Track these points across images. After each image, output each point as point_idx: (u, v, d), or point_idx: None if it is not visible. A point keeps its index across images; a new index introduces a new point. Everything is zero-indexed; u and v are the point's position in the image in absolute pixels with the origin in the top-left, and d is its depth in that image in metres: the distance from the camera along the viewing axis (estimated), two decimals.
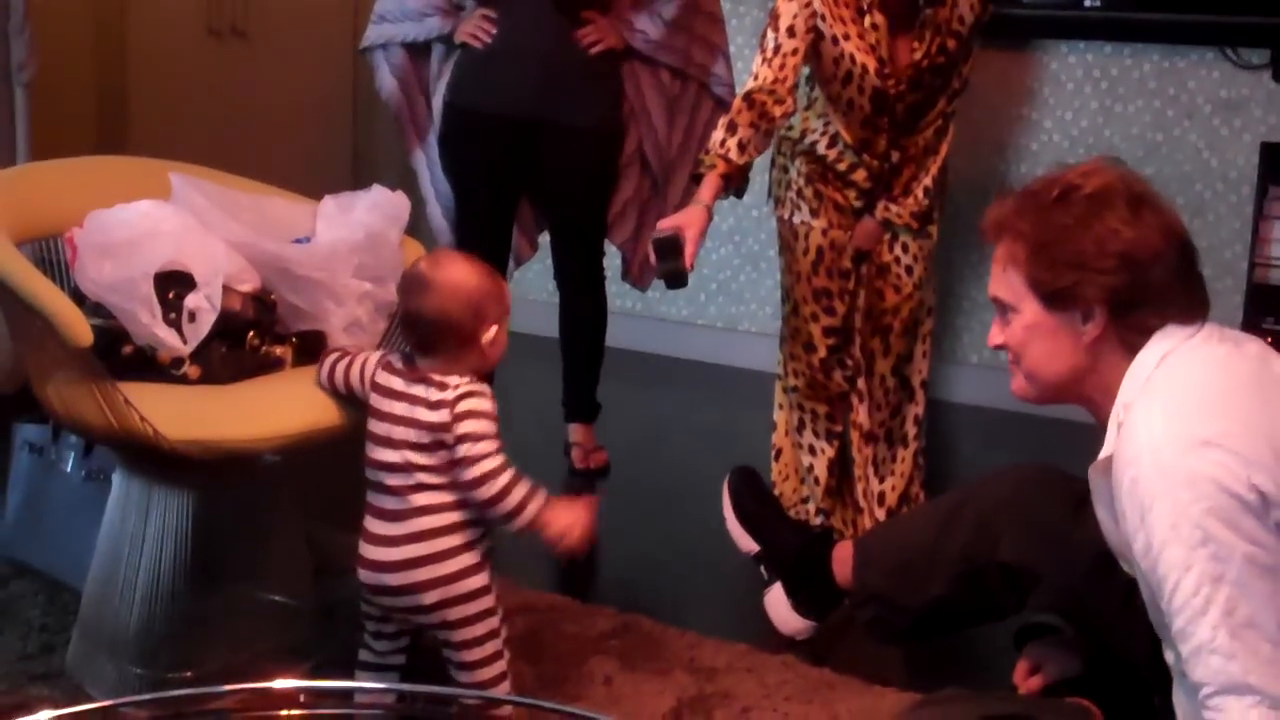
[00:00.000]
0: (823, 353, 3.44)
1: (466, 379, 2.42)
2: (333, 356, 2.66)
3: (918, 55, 3.30)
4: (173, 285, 2.67)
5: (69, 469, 3.17)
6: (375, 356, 2.58)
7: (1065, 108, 4.62)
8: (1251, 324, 4.46)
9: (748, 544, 2.97)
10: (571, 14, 3.76)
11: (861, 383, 3.49)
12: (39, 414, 2.97)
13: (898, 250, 3.48)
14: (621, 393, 4.42)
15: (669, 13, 3.84)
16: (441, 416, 2.39)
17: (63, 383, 2.55)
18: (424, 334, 2.45)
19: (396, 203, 2.96)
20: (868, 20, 3.24)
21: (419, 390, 2.43)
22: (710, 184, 3.10)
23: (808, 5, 3.18)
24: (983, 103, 4.70)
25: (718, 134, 3.13)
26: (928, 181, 3.47)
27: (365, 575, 2.47)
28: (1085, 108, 4.60)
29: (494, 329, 2.46)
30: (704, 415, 4.78)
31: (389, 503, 2.44)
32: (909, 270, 3.48)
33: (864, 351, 3.49)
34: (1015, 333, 2.14)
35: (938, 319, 4.61)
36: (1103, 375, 2.09)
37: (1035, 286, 2.09)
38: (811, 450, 3.50)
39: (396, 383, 2.47)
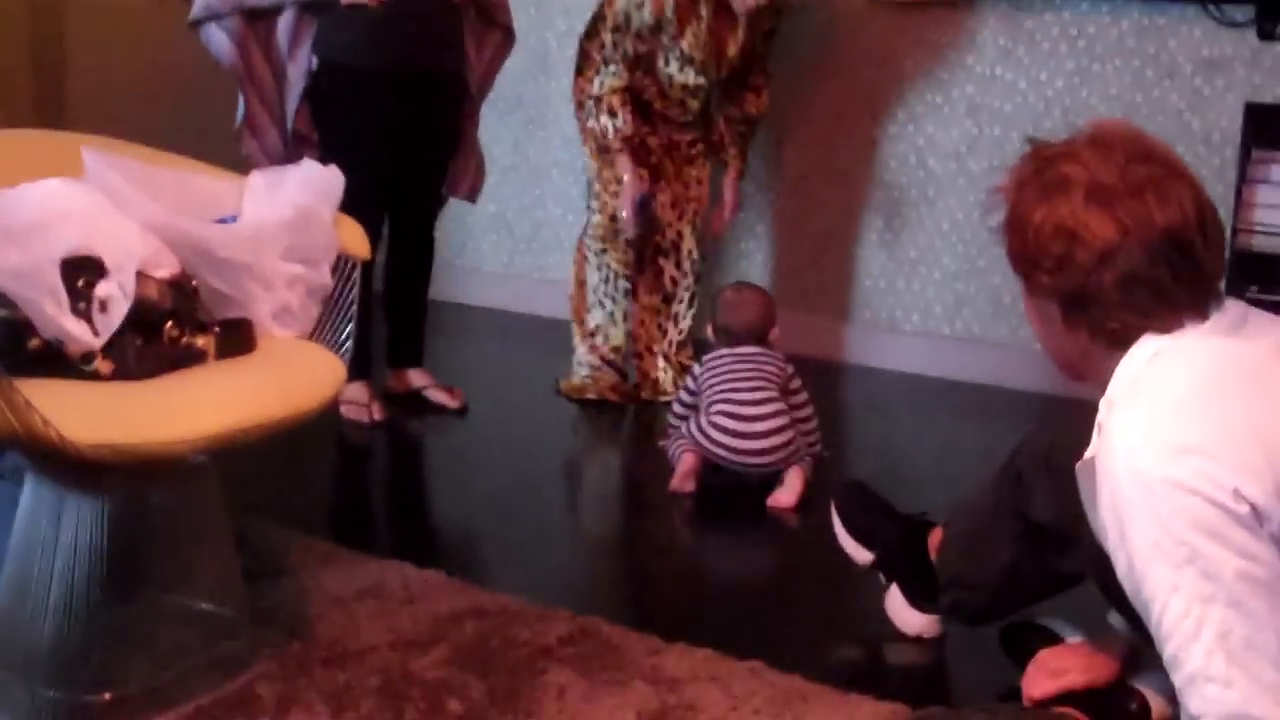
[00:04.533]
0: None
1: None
2: None
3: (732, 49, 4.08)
4: (82, 272, 2.44)
5: None
6: None
7: (1040, 68, 4.43)
8: (1235, 292, 4.28)
9: (862, 555, 2.88)
10: None
11: None
12: None
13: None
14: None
15: None
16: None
17: None
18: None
19: (329, 177, 2.75)
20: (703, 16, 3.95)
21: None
22: (627, 158, 4.11)
23: (656, 13, 3.93)
24: (954, 62, 4.51)
25: (605, 120, 4.08)
26: None
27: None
28: (1061, 68, 4.40)
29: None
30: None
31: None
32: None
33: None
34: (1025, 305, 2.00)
35: (916, 290, 4.47)
36: (1093, 366, 1.93)
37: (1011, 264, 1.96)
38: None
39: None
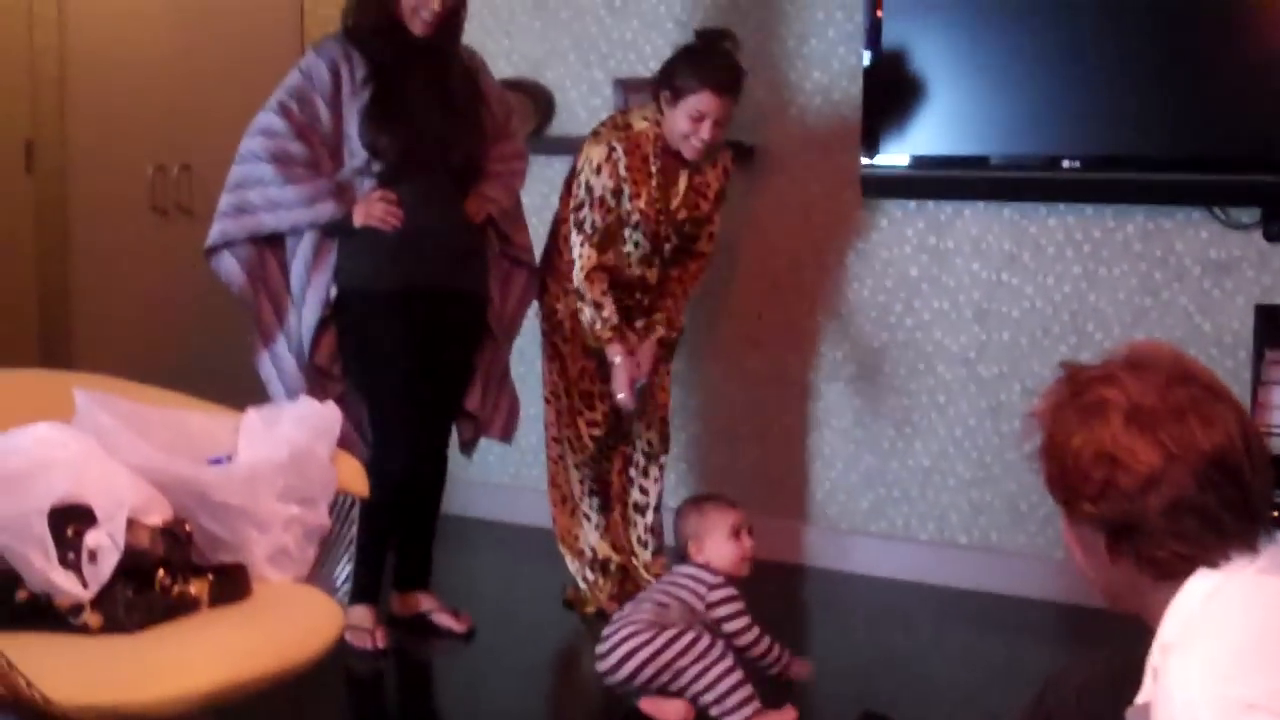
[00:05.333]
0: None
1: None
2: None
3: (678, 210, 4.12)
4: (71, 521, 2.38)
5: None
6: None
7: (1046, 272, 4.39)
8: None
9: None
10: (464, 187, 3.91)
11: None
12: None
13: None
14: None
15: (518, 183, 4.11)
16: None
17: None
18: None
19: (325, 415, 2.70)
20: (653, 173, 4.03)
21: None
22: (619, 345, 4.06)
23: (613, 176, 3.97)
24: (959, 267, 4.48)
25: (590, 313, 4.02)
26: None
27: None
28: (1068, 272, 4.36)
29: None
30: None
31: None
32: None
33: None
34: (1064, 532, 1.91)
35: (930, 499, 4.39)
36: (1140, 598, 1.82)
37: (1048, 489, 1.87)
38: None
39: None
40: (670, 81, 3.99)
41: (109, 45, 4.79)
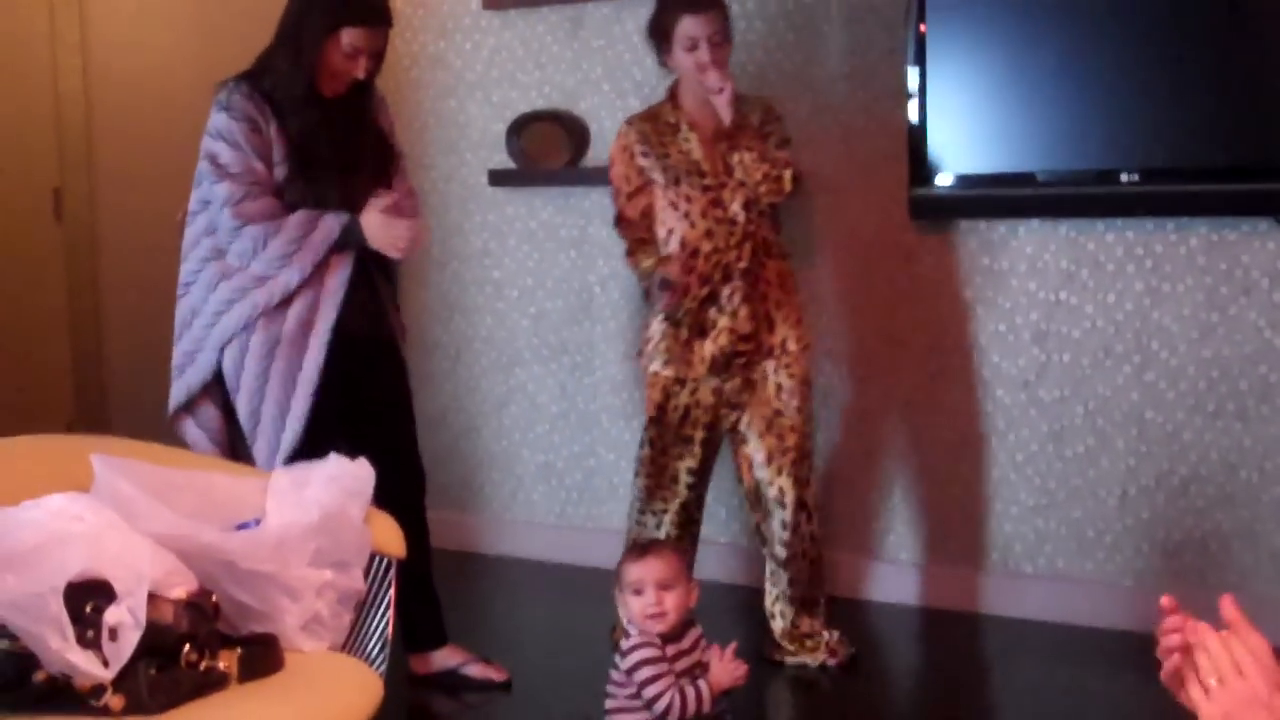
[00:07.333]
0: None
1: None
2: None
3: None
4: (90, 597, 2.25)
5: None
6: None
7: (1107, 290, 4.22)
8: None
9: None
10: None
11: None
12: None
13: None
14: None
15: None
16: None
17: None
18: None
19: (358, 474, 2.56)
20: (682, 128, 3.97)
21: None
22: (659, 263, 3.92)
23: (627, 149, 3.98)
24: (1015, 288, 4.31)
25: (636, 256, 3.98)
26: None
27: None
28: (1129, 289, 4.19)
29: None
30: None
31: None
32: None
33: None
34: None
35: (992, 527, 4.24)
36: None
37: None
38: None
39: None
40: (656, 32, 3.94)
41: (135, 92, 4.71)
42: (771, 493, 4.01)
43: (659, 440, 4.02)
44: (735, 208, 3.90)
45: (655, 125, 3.97)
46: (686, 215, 3.92)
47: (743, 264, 3.91)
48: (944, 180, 4.26)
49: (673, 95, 4.00)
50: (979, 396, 4.42)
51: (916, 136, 4.27)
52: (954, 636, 4.36)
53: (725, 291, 3.92)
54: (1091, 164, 4.12)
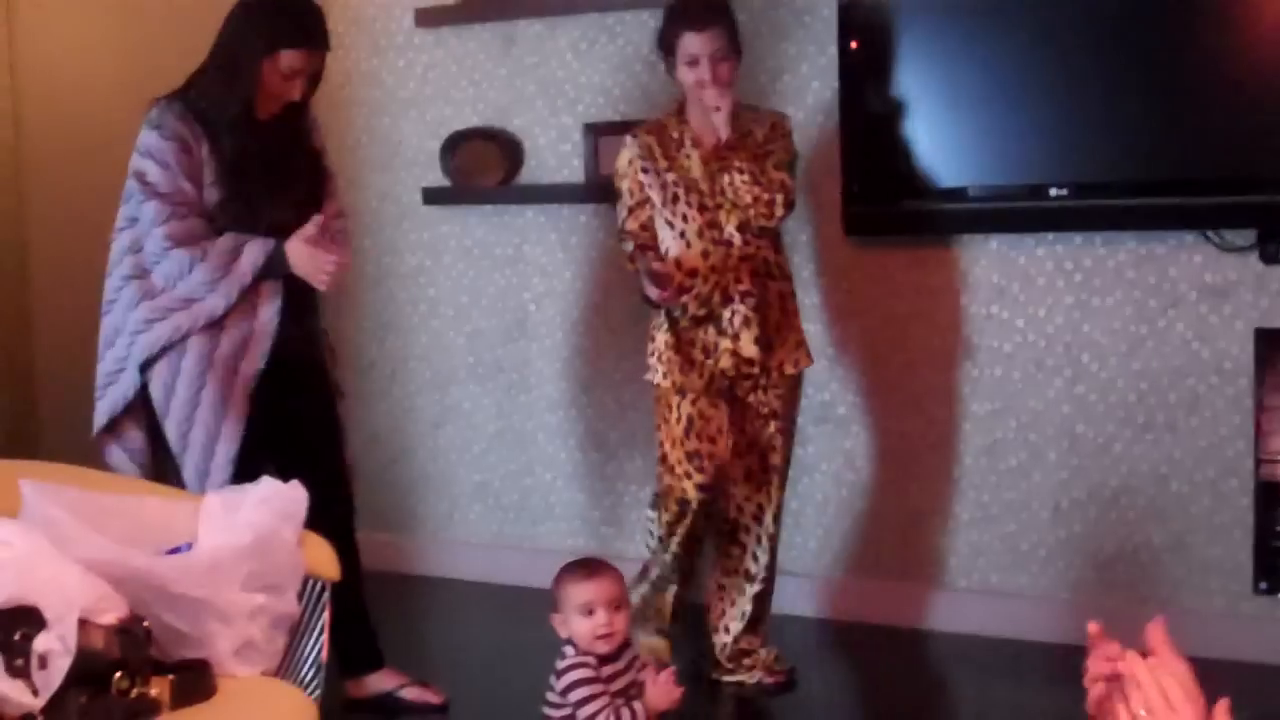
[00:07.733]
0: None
1: None
2: None
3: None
4: (18, 624, 2.22)
5: None
6: None
7: (1038, 304, 4.26)
8: (1264, 527, 4.08)
9: None
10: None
11: None
12: None
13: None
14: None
15: (350, 241, 3.98)
16: None
17: None
18: None
19: (291, 496, 2.54)
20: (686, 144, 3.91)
21: None
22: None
23: (633, 163, 3.92)
24: (947, 304, 4.34)
25: (635, 263, 3.90)
26: None
27: None
28: (1060, 303, 4.23)
29: None
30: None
31: None
32: None
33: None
34: None
35: (926, 541, 4.25)
36: None
37: None
38: None
39: None
40: (662, 44, 3.92)
41: (64, 110, 4.67)
42: (750, 509, 4.02)
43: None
44: (730, 229, 3.85)
45: (660, 138, 3.93)
46: (682, 235, 3.86)
47: (742, 286, 3.86)
48: (876, 196, 4.29)
49: (680, 108, 3.97)
50: (912, 411, 4.45)
51: (848, 153, 4.30)
52: (890, 652, 4.37)
53: (726, 314, 3.87)
54: (1021, 179, 4.16)
